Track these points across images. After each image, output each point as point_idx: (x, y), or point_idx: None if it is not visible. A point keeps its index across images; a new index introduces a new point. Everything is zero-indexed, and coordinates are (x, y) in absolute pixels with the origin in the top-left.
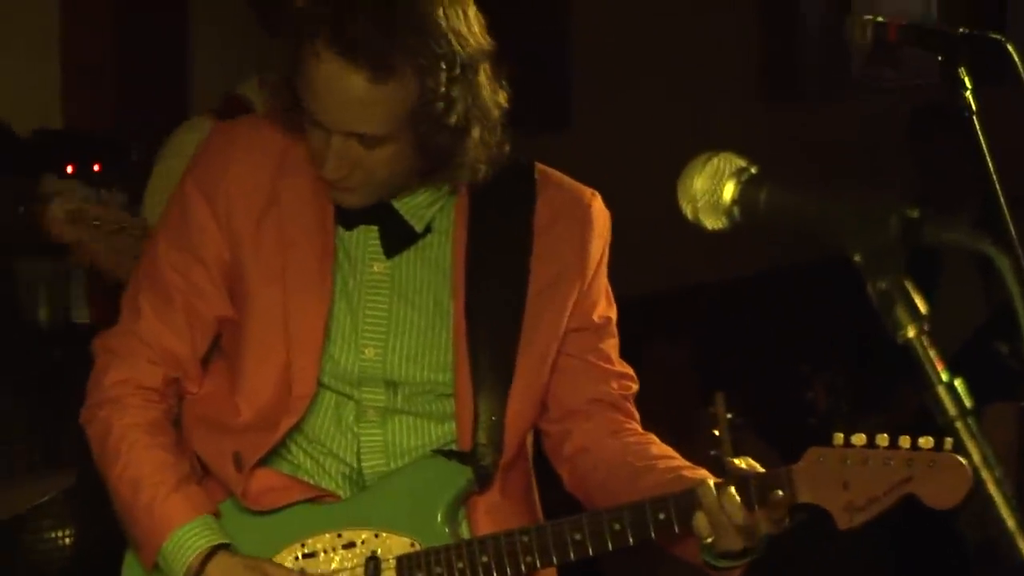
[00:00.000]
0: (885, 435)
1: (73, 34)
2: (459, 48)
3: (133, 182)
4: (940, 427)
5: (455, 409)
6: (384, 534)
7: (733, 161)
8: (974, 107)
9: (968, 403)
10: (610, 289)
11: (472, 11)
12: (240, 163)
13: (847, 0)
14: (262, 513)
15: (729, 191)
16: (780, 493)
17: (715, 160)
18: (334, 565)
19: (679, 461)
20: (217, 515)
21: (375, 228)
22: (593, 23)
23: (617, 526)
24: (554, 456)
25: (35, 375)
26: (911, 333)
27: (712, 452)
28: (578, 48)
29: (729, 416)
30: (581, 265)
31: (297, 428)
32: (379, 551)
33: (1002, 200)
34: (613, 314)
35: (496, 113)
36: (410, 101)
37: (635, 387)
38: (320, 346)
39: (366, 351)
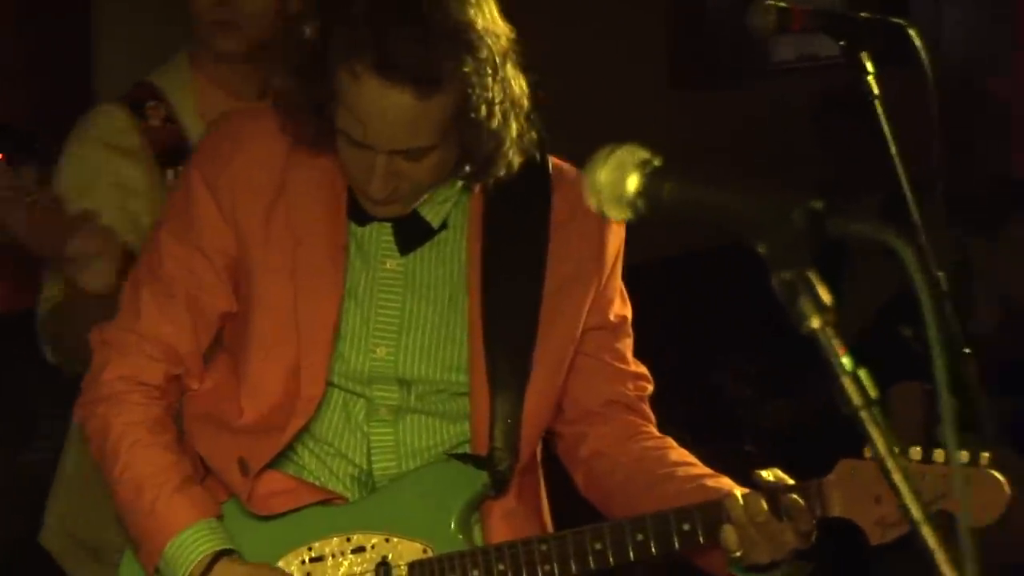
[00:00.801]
0: (919, 448)
1: None
2: (494, 46)
3: (38, 171)
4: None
5: (469, 410)
6: (395, 539)
7: (637, 153)
8: (876, 92)
9: (873, 393)
10: (623, 288)
11: (493, 1)
12: (246, 153)
13: None
14: (268, 516)
15: (633, 183)
16: (810, 506)
17: (619, 152)
18: (343, 570)
19: (700, 468)
20: (220, 517)
21: (388, 224)
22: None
23: (640, 536)
24: (568, 459)
25: None
26: (815, 324)
27: None
28: None
29: None
30: (599, 262)
31: (304, 428)
32: (390, 556)
33: (906, 183)
34: (628, 313)
35: (526, 103)
36: (454, 108)
37: (650, 387)
38: (331, 345)
39: (377, 350)
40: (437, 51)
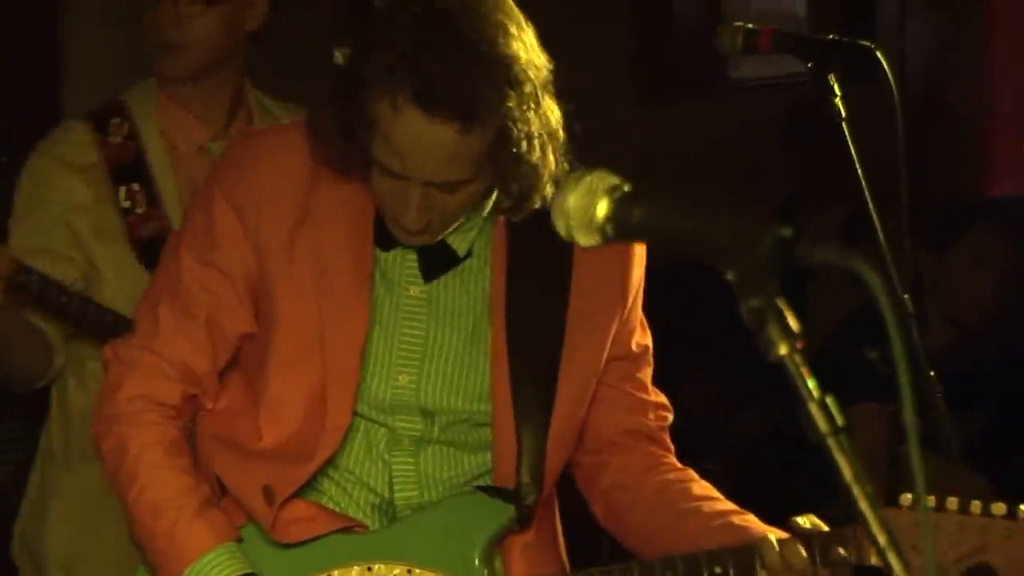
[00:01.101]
0: (954, 499)
1: None
2: (535, 78)
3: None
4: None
5: (491, 440)
6: (418, 570)
7: (607, 179)
8: (844, 113)
9: (840, 420)
10: (643, 316)
11: (531, 30)
12: (272, 171)
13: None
14: (288, 543)
15: (602, 209)
16: (846, 553)
17: (589, 178)
18: None
19: (724, 504)
20: (240, 541)
21: (413, 250)
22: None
23: None
24: (588, 489)
25: None
26: (783, 351)
27: None
28: None
29: None
30: (623, 291)
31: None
32: None
33: (871, 203)
34: (649, 342)
35: (561, 134)
36: (493, 141)
37: (670, 417)
38: (357, 374)
39: (399, 378)
40: (480, 85)
